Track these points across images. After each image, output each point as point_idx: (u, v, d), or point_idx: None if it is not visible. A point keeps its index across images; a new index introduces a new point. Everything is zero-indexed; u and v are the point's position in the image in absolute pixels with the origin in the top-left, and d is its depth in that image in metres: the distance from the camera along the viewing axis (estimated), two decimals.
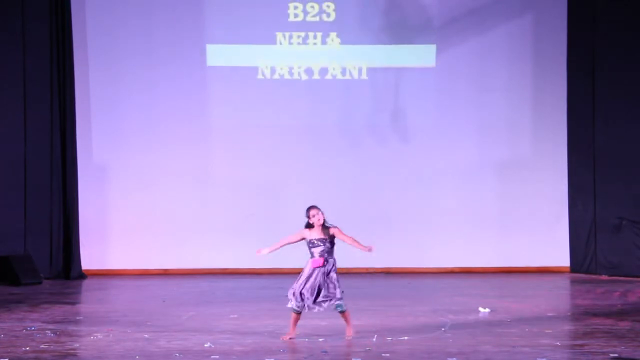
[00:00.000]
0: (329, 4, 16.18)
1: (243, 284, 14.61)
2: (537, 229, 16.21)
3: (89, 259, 15.85)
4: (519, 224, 16.23)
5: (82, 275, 15.62)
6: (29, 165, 15.53)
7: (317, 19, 16.19)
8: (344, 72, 16.27)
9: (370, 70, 16.26)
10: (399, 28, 16.19)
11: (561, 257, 16.17)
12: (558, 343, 9.20)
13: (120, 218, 16.03)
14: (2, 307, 11.90)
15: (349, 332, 9.45)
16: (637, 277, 15.20)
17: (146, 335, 9.64)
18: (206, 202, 16.10)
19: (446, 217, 16.19)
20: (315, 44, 16.21)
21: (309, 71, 16.26)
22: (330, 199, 14.70)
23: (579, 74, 15.92)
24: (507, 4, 16.30)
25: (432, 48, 16.22)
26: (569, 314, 11.48)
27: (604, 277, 15.51)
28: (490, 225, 16.25)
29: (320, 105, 16.22)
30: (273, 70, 16.24)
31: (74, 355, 8.73)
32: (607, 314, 11.12)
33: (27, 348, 8.91)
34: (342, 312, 9.42)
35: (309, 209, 9.46)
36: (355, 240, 9.44)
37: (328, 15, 16.19)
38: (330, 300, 9.29)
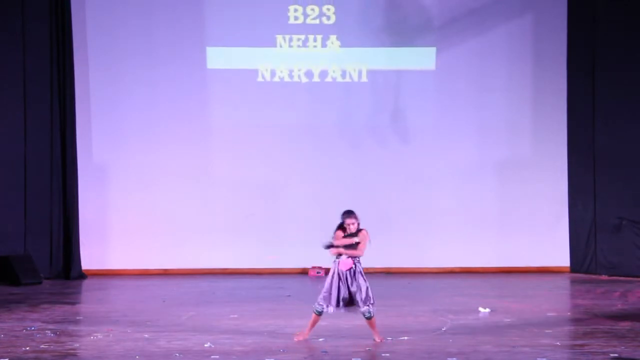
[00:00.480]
0: (329, 6, 16.18)
1: (243, 284, 14.61)
2: (537, 229, 16.20)
3: (89, 259, 15.85)
4: (519, 224, 16.22)
5: (82, 275, 15.62)
6: (29, 165, 15.53)
7: (317, 21, 16.19)
8: (344, 74, 16.27)
9: (370, 73, 16.26)
10: (399, 30, 16.18)
11: (561, 257, 16.16)
12: (558, 343, 9.21)
13: (120, 218, 16.02)
14: (2, 307, 11.91)
15: (378, 338, 9.34)
16: (637, 277, 15.20)
17: (146, 335, 9.64)
18: (206, 202, 16.09)
19: (446, 217, 16.19)
20: (315, 46, 16.21)
21: (309, 74, 16.25)
22: (331, 199, 14.74)
23: (579, 74, 15.92)
24: (507, 4, 16.30)
25: (432, 51, 16.21)
26: (569, 314, 11.49)
27: (604, 277, 15.51)
28: (490, 225, 16.25)
29: (320, 107, 16.21)
30: (273, 73, 16.23)
31: (74, 355, 8.73)
32: (607, 314, 11.12)
33: (27, 348, 8.92)
34: (369, 319, 9.34)
35: (347, 215, 9.49)
36: (358, 250, 9.35)
37: (328, 18, 16.19)
38: (366, 304, 9.22)
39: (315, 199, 15.79)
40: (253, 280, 15.14)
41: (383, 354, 8.58)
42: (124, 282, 15.15)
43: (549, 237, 16.20)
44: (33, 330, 10.01)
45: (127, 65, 16.04)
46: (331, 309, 9.23)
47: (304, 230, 15.11)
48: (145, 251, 16.01)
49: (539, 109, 16.35)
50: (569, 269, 16.11)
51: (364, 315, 9.28)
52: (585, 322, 10.62)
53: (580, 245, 15.98)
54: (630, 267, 15.47)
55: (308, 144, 16.22)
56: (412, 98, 16.25)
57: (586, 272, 15.80)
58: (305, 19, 16.17)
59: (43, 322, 10.62)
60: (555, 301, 12.98)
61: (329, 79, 16.24)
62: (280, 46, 16.18)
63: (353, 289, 9.27)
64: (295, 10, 16.16)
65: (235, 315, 11.14)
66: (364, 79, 16.25)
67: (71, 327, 10.30)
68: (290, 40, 16.19)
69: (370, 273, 15.84)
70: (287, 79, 16.22)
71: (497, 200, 16.29)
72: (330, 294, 9.25)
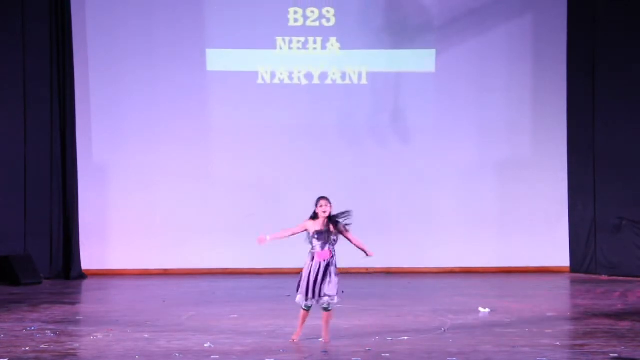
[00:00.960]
0: (329, 9, 16.18)
1: (243, 284, 14.61)
2: (537, 229, 16.21)
3: (89, 259, 15.85)
4: (519, 224, 16.23)
5: (82, 275, 15.62)
6: (29, 165, 15.53)
7: (317, 23, 16.19)
8: (344, 76, 16.27)
9: (370, 75, 16.26)
10: (399, 31, 16.18)
11: (561, 257, 16.17)
12: (558, 343, 9.20)
13: (120, 218, 16.02)
14: (2, 307, 11.91)
15: (327, 338, 9.28)
16: (637, 277, 15.20)
17: (146, 335, 9.64)
18: (206, 202, 16.09)
19: (446, 217, 16.20)
20: (315, 48, 16.21)
21: (309, 76, 16.25)
22: (331, 199, 14.71)
23: (579, 74, 15.92)
24: (507, 4, 16.30)
25: (432, 53, 16.21)
26: (569, 314, 11.49)
27: (604, 277, 15.51)
28: (490, 225, 16.25)
29: (320, 109, 16.21)
30: (273, 75, 16.23)
31: (74, 355, 8.73)
32: (607, 314, 11.12)
33: (27, 348, 8.91)
34: (326, 310, 9.23)
35: (319, 198, 9.39)
36: (357, 241, 9.31)
37: (328, 20, 16.19)
38: (331, 298, 9.19)
39: (315, 198, 15.76)
40: (253, 280, 15.14)
41: (383, 354, 8.58)
42: (124, 282, 15.15)
43: (548, 237, 16.20)
44: (33, 330, 10.01)
45: (127, 65, 16.04)
46: (300, 297, 9.15)
47: None
48: (145, 251, 16.01)
49: (539, 109, 16.35)
50: (569, 269, 16.11)
51: (323, 305, 9.18)
52: (585, 322, 10.62)
53: (580, 245, 15.99)
54: (630, 267, 15.47)
55: (308, 144, 16.23)
56: (412, 99, 16.25)
57: (586, 272, 15.80)
58: (305, 21, 16.17)
59: (43, 322, 10.62)
60: (555, 301, 12.98)
61: (328, 81, 16.25)
62: (280, 48, 16.18)
63: (324, 278, 9.14)
64: (295, 13, 16.16)
65: (235, 315, 11.14)
66: (364, 81, 16.25)
67: (71, 327, 10.30)
68: (290, 42, 16.19)
69: (370, 273, 16.01)
70: (287, 81, 16.22)
71: (497, 200, 16.29)
72: (307, 285, 9.13)
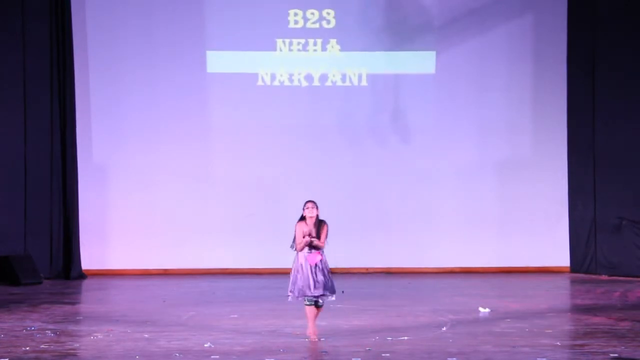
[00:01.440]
0: (329, 10, 16.18)
1: (243, 284, 14.61)
2: (537, 229, 16.21)
3: (89, 259, 15.85)
4: (519, 224, 16.23)
5: (82, 275, 15.62)
6: (29, 165, 15.53)
7: (317, 25, 16.19)
8: (344, 78, 16.27)
9: (370, 77, 16.26)
10: (399, 32, 16.18)
11: (561, 257, 16.17)
12: (558, 343, 9.21)
13: (120, 218, 16.02)
14: (2, 307, 11.91)
15: (314, 334, 9.39)
16: (637, 277, 15.20)
17: (146, 335, 9.64)
18: (206, 202, 16.10)
19: (446, 217, 16.20)
20: (315, 50, 16.21)
21: (309, 77, 16.25)
22: (331, 200, 14.72)
23: (579, 74, 15.92)
24: (507, 4, 16.30)
25: (432, 54, 16.21)
26: (569, 314, 11.49)
27: (604, 277, 15.51)
28: (490, 225, 16.25)
29: (320, 110, 16.21)
30: (273, 77, 16.23)
31: (74, 355, 8.73)
32: (607, 314, 11.12)
33: (27, 348, 8.92)
34: (319, 307, 9.38)
35: (307, 202, 9.54)
36: (318, 243, 9.38)
37: (328, 22, 16.19)
38: (330, 295, 9.31)
39: (315, 198, 15.73)
40: (253, 280, 15.14)
41: (383, 354, 8.58)
42: (124, 282, 15.15)
43: (549, 237, 16.20)
44: (33, 330, 10.01)
45: (127, 65, 16.04)
46: (291, 297, 9.31)
47: None
48: (145, 251, 16.01)
49: (539, 109, 16.35)
50: (569, 269, 16.11)
51: (313, 300, 9.29)
52: (585, 322, 10.62)
53: (580, 245, 15.99)
54: (630, 267, 15.47)
55: (308, 144, 16.23)
56: (412, 100, 16.25)
57: (586, 272, 15.80)
58: (305, 23, 16.17)
59: (43, 322, 10.62)
60: (555, 301, 12.98)
61: (329, 83, 16.24)
62: (280, 50, 16.18)
63: (314, 280, 9.27)
64: (295, 14, 16.16)
65: (235, 315, 11.14)
66: (364, 82, 16.25)
67: (71, 327, 10.30)
68: (290, 44, 16.18)
69: (370, 273, 16.01)
70: (287, 82, 16.22)
71: (497, 200, 16.29)
72: (295, 284, 9.27)
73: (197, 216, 16.02)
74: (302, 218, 9.47)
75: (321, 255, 9.36)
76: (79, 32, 15.92)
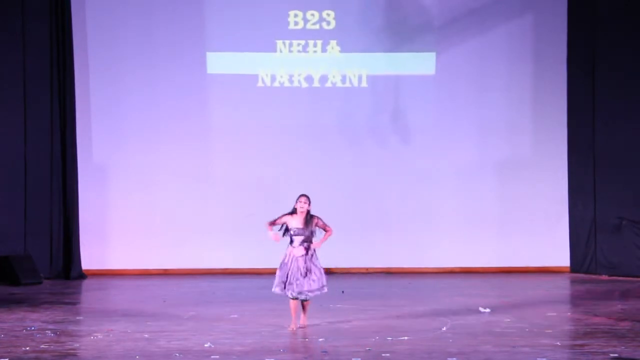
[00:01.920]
0: (329, 12, 16.17)
1: (243, 284, 14.61)
2: (537, 229, 16.20)
3: (89, 259, 15.85)
4: (519, 224, 16.23)
5: (82, 275, 15.62)
6: (29, 165, 15.53)
7: (317, 26, 16.18)
8: (344, 79, 16.27)
9: (370, 78, 16.25)
10: (399, 33, 16.18)
11: (561, 257, 16.17)
12: (558, 343, 9.21)
13: (120, 218, 16.02)
14: (2, 307, 11.91)
15: (304, 322, 9.76)
16: (637, 277, 15.21)
17: (146, 335, 9.64)
18: (206, 202, 16.10)
19: (446, 217, 16.20)
20: (315, 51, 16.20)
21: (309, 79, 16.25)
22: (331, 200, 14.74)
23: (579, 74, 15.92)
24: (507, 4, 16.30)
25: (432, 55, 16.20)
26: (569, 314, 11.49)
27: (604, 277, 15.51)
28: (490, 225, 16.25)
29: (320, 111, 16.21)
30: (273, 78, 16.23)
31: (74, 355, 8.73)
32: (607, 314, 11.12)
33: (27, 348, 8.92)
34: (305, 301, 9.76)
35: (300, 195, 9.78)
36: (328, 235, 9.68)
37: (328, 23, 16.18)
38: (320, 291, 9.51)
39: (315, 198, 15.74)
40: (253, 280, 15.13)
41: (383, 354, 8.58)
42: (124, 282, 15.14)
43: (548, 237, 16.20)
44: (33, 330, 10.01)
45: (127, 65, 16.04)
46: (278, 289, 9.80)
47: None
48: (145, 251, 16.01)
49: (539, 109, 16.35)
50: (569, 269, 16.11)
51: (301, 298, 9.71)
52: (585, 322, 10.62)
53: (580, 245, 15.99)
54: (630, 267, 15.47)
55: (308, 145, 16.23)
56: (412, 100, 16.25)
57: (586, 272, 15.80)
58: (305, 24, 16.17)
59: (43, 322, 10.62)
60: (555, 301, 12.97)
61: (329, 84, 16.24)
62: (280, 51, 16.18)
63: (305, 275, 9.53)
64: (295, 16, 16.15)
65: (235, 315, 11.14)
66: (364, 83, 16.25)
67: (71, 327, 10.30)
68: (290, 45, 16.18)
69: (370, 273, 16.01)
70: (287, 84, 16.22)
71: (497, 200, 16.29)
72: (286, 279, 9.62)
73: (197, 216, 16.03)
74: (294, 211, 9.55)
75: (308, 250, 9.58)
76: (79, 32, 15.92)
